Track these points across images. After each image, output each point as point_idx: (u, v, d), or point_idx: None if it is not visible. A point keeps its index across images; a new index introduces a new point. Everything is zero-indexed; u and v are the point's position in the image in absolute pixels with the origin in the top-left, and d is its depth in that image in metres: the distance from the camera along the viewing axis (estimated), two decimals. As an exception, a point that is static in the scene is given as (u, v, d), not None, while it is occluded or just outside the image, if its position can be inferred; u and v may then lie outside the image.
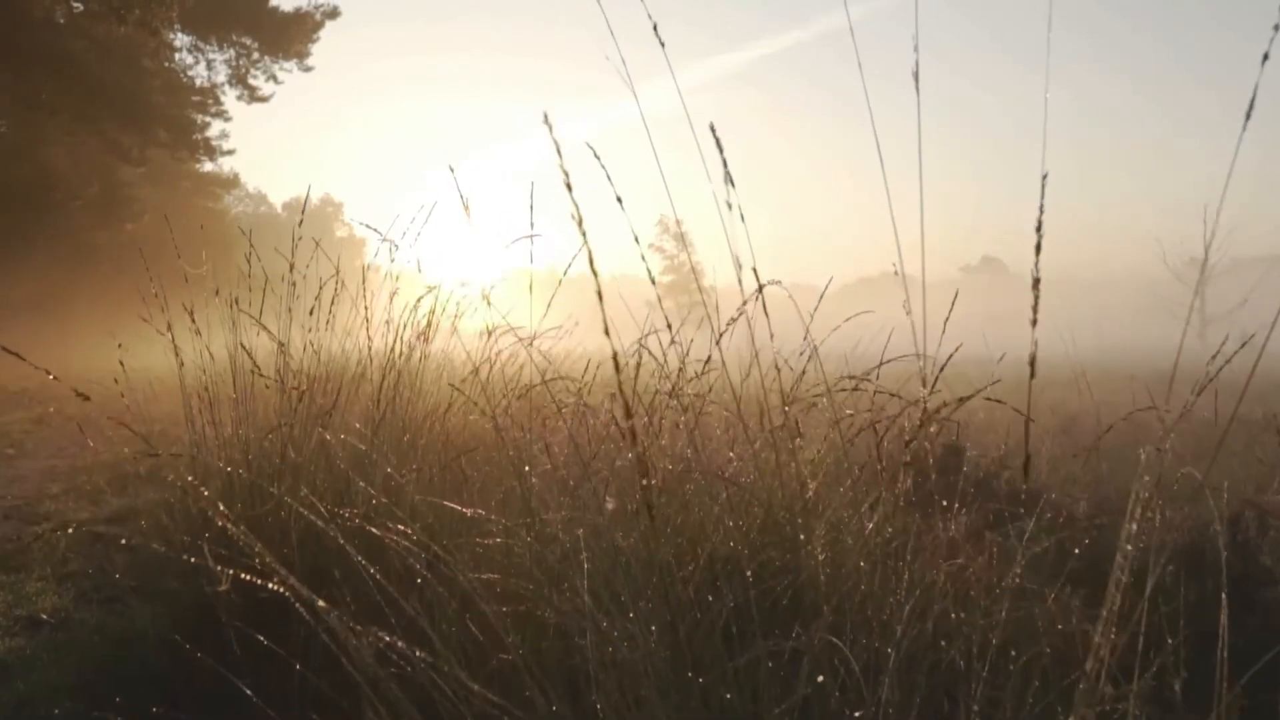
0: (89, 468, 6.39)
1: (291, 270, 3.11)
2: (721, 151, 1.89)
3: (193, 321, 3.34)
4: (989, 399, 2.19)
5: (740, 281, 2.20)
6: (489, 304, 2.91)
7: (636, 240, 2.18)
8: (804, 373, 2.70)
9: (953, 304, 2.50)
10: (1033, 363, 1.44)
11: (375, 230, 3.41)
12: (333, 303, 3.12)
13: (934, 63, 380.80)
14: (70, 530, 4.59)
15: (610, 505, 3.52)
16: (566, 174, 1.59)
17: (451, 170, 2.55)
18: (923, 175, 1.95)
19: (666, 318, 2.71)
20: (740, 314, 2.26)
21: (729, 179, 1.98)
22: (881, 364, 3.04)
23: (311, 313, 3.09)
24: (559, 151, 1.59)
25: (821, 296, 3.01)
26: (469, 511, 1.87)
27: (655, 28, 2.01)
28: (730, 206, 2.00)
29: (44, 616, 3.14)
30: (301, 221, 3.61)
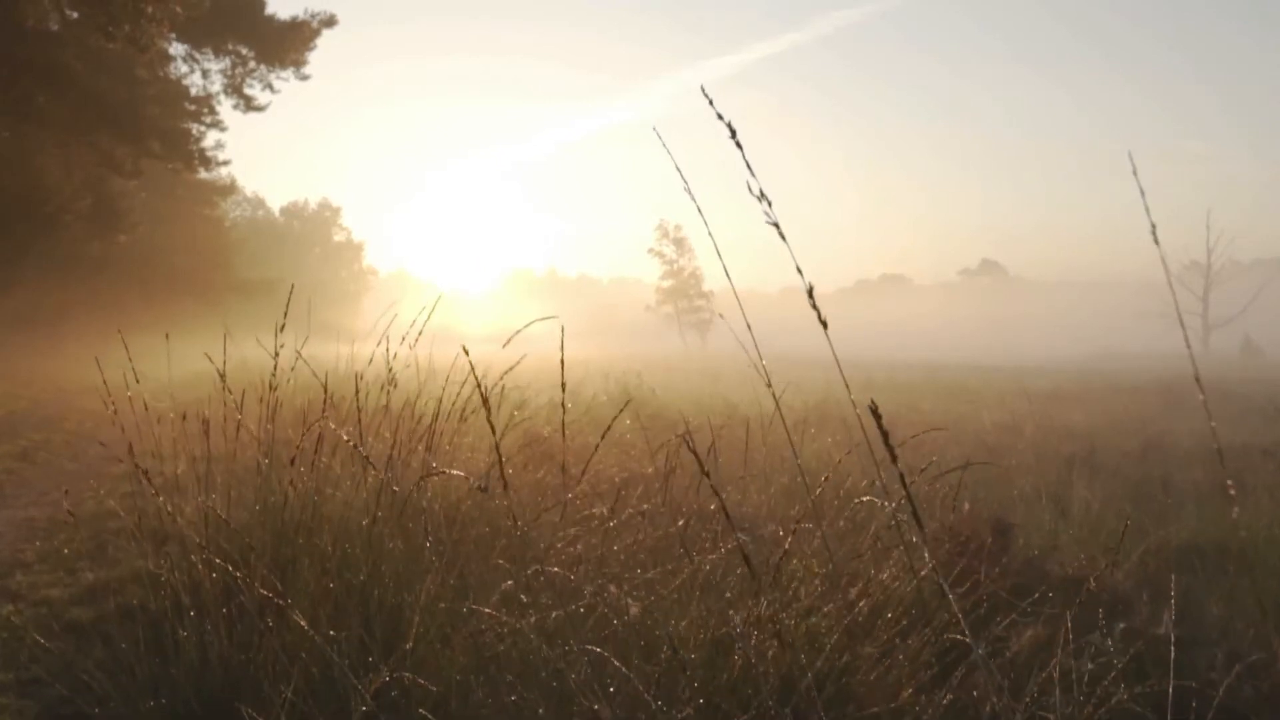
0: (69, 522, 6.04)
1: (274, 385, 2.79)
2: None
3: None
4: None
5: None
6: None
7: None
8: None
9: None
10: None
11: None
12: (318, 445, 2.79)
13: (933, 63, 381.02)
14: (40, 610, 4.25)
15: (634, 610, 3.17)
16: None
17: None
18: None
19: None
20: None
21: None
22: (963, 468, 2.72)
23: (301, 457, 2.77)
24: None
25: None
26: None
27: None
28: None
29: (-1, 746, 2.81)
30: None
